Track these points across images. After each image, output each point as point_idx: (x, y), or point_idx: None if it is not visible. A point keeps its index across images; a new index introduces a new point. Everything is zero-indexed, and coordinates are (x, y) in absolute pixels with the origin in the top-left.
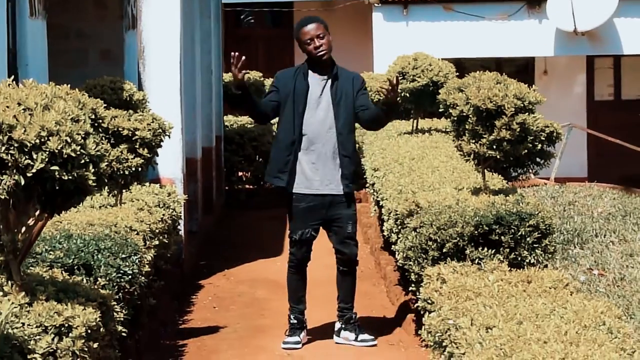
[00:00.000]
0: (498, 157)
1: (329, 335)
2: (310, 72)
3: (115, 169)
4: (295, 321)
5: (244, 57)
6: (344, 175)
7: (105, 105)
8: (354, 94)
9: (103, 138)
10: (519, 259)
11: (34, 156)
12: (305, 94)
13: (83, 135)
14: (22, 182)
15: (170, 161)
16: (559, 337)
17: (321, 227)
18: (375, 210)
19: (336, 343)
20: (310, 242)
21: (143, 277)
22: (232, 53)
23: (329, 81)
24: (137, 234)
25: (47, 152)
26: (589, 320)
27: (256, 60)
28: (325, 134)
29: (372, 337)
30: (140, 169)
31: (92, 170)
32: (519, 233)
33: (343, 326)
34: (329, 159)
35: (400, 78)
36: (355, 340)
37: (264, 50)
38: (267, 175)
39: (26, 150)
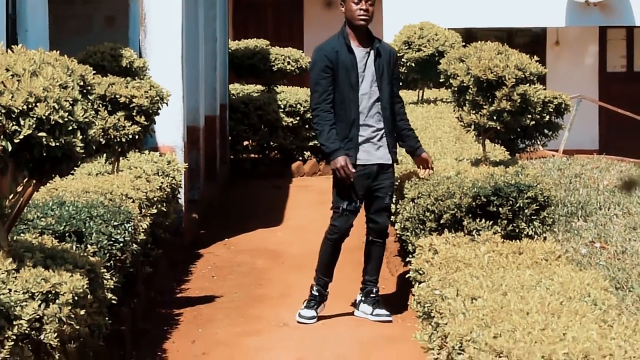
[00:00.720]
0: (498, 128)
1: (347, 308)
2: (352, 42)
3: (112, 137)
4: (317, 294)
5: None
6: (390, 145)
7: (105, 72)
8: (391, 69)
9: (100, 105)
10: (517, 230)
11: (22, 122)
12: (355, 67)
13: (71, 102)
14: (10, 149)
15: (171, 129)
16: (541, 308)
17: None
18: None
19: (355, 316)
20: (356, 215)
21: (136, 245)
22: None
23: (371, 54)
24: (133, 201)
25: (35, 119)
26: (574, 291)
27: (265, 27)
28: (372, 107)
29: (388, 313)
30: (137, 136)
31: (80, 137)
32: (517, 205)
33: (363, 299)
34: (376, 131)
35: (405, 48)
36: (371, 314)
37: (272, 17)
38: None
39: (13, 116)
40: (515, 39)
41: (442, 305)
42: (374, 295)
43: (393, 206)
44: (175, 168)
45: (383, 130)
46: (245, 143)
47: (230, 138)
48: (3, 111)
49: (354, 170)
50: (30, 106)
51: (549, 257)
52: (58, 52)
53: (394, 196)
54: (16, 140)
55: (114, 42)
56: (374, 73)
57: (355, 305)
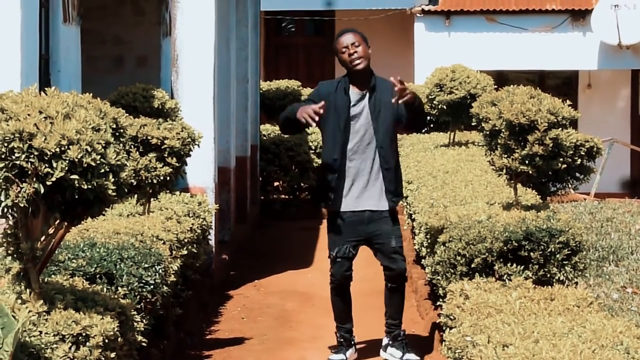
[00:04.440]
0: (530, 172)
1: (376, 351)
2: (350, 86)
3: (144, 178)
4: (342, 340)
5: (322, 103)
6: (388, 189)
7: (137, 113)
8: (394, 106)
9: (132, 146)
10: (548, 275)
11: (54, 165)
12: (347, 109)
13: (103, 145)
14: (42, 191)
15: (202, 170)
16: (573, 357)
17: (364, 245)
18: (408, 223)
19: (382, 357)
20: (350, 261)
21: (167, 287)
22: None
23: (367, 94)
24: (164, 243)
25: (67, 161)
26: (607, 340)
27: (296, 69)
28: (364, 149)
29: (418, 357)
30: (168, 178)
31: (112, 179)
32: (549, 250)
33: (390, 342)
34: (367, 175)
35: (437, 90)
36: (401, 359)
37: (304, 58)
38: (317, 197)
39: (46, 158)
40: (547, 82)
41: (473, 352)
42: (401, 339)
43: (424, 250)
44: (206, 209)
45: (380, 173)
46: (276, 184)
47: (260, 179)
48: (36, 153)
49: (318, 106)
50: (62, 149)
51: (581, 303)
52: (91, 94)
53: (403, 238)
54: (48, 183)
55: (146, 83)
56: (369, 113)
57: (382, 347)
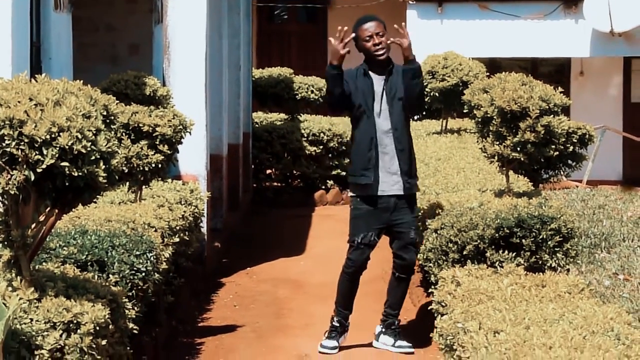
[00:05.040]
0: (522, 159)
1: (369, 338)
2: (370, 71)
3: (135, 165)
4: (338, 324)
5: (353, 34)
6: (403, 170)
7: (129, 100)
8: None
9: (123, 134)
10: (540, 262)
11: (44, 152)
12: (371, 91)
13: (94, 132)
14: (32, 178)
15: (194, 158)
16: (564, 343)
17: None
18: None
19: (375, 347)
20: (371, 248)
21: (158, 275)
22: (340, 27)
23: (385, 78)
24: (155, 230)
25: (58, 148)
26: (597, 326)
27: (289, 56)
28: (386, 132)
29: (410, 344)
30: (160, 165)
31: (103, 166)
32: (540, 236)
33: (383, 330)
34: (392, 159)
35: (429, 77)
36: (393, 345)
37: (297, 46)
38: (351, 176)
39: (36, 145)
40: (540, 69)
41: (464, 339)
42: (394, 327)
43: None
44: (198, 197)
45: (396, 155)
46: (269, 171)
47: (253, 166)
48: (26, 140)
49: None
50: (53, 136)
51: (572, 290)
52: (82, 80)
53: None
54: (39, 170)
55: (138, 70)
56: (386, 96)
57: (375, 335)
